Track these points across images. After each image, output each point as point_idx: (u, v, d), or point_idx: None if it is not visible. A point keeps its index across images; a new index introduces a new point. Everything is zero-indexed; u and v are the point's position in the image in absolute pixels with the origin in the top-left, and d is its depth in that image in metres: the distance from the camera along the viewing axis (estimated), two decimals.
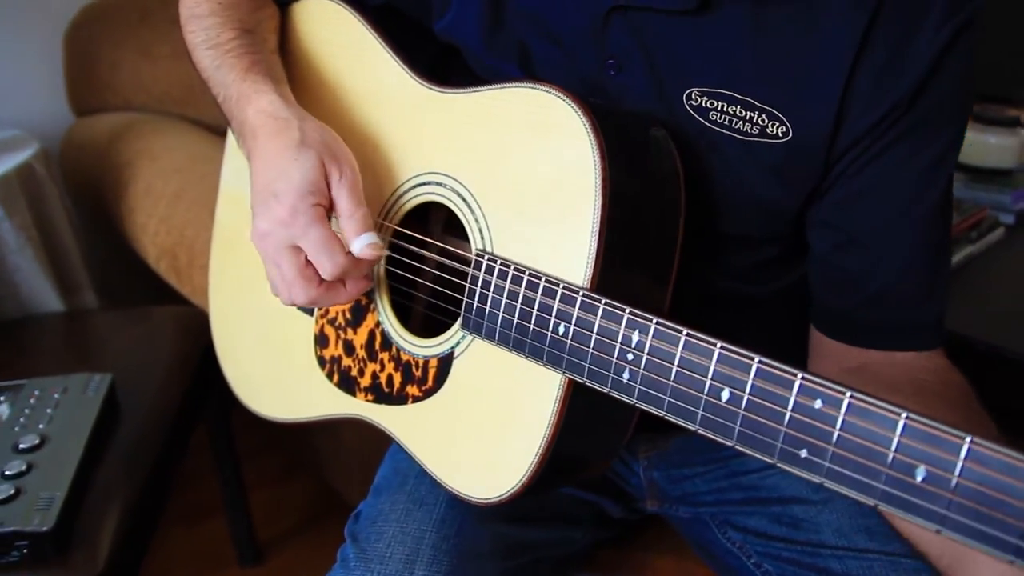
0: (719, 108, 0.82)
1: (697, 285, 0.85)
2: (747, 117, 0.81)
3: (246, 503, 1.79)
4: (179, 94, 2.02)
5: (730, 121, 0.82)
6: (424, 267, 0.93)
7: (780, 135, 0.81)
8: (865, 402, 0.59)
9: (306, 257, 0.85)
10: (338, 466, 1.81)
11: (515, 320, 0.79)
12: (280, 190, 0.83)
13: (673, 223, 0.82)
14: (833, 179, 0.83)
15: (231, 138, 1.14)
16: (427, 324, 0.94)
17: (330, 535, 2.01)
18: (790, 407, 0.62)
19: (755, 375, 0.64)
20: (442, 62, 1.03)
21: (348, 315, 0.97)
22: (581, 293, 0.74)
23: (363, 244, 0.83)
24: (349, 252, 0.84)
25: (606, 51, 0.86)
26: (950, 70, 0.78)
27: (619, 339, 0.71)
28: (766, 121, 0.81)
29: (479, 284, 0.82)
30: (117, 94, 2.05)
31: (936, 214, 0.84)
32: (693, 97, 0.83)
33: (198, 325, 1.51)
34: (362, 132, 0.92)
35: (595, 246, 0.75)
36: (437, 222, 0.99)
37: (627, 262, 0.78)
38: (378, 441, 1.02)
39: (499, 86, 0.83)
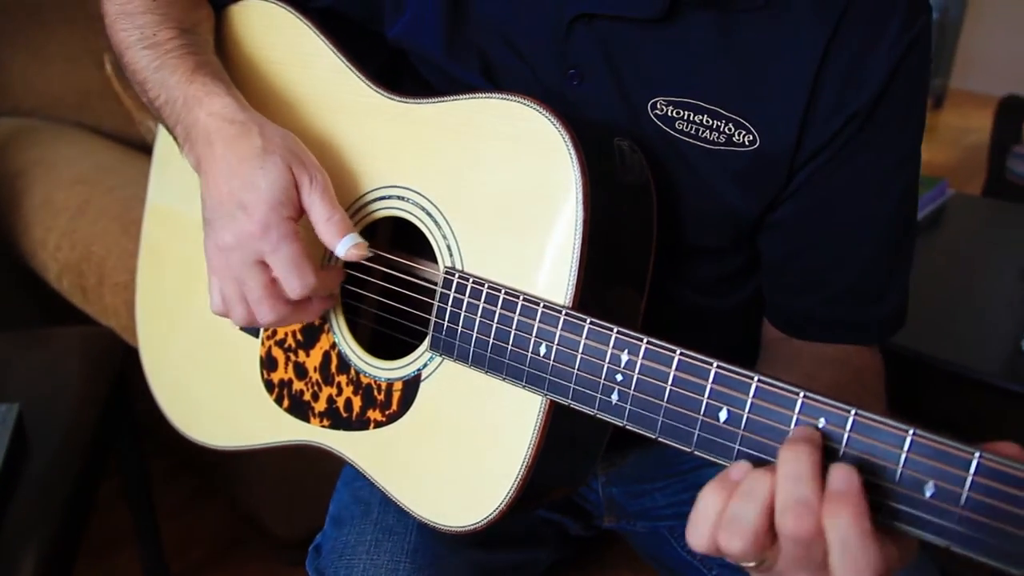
0: (685, 117, 0.82)
1: (661, 301, 0.85)
2: (713, 126, 0.82)
3: (158, 533, 1.69)
4: (74, 99, 1.90)
5: (696, 130, 0.82)
6: (386, 285, 0.90)
7: (747, 144, 0.81)
8: (870, 419, 0.59)
9: (271, 274, 0.80)
10: (256, 490, 1.75)
11: (491, 340, 0.76)
12: (248, 201, 0.78)
13: (647, 237, 0.82)
14: (796, 186, 0.85)
15: (160, 148, 1.07)
16: (385, 345, 0.90)
17: (249, 564, 1.95)
18: (792, 425, 0.62)
19: (755, 394, 0.63)
20: (390, 70, 0.99)
21: (299, 336, 0.92)
22: (564, 312, 0.72)
23: (348, 245, 0.80)
24: (321, 269, 0.80)
25: (568, 61, 0.85)
26: (908, 77, 0.81)
27: (607, 359, 0.70)
28: (733, 130, 0.81)
29: (449, 303, 0.79)
30: (4, 97, 1.92)
31: (897, 214, 0.86)
32: (659, 107, 0.83)
33: (107, 346, 1.43)
34: (314, 143, 0.88)
35: (577, 263, 0.73)
36: (393, 239, 0.95)
37: (606, 279, 0.77)
38: (303, 463, 0.97)
39: (468, 96, 0.80)
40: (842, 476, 0.55)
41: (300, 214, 0.81)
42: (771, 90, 0.81)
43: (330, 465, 0.98)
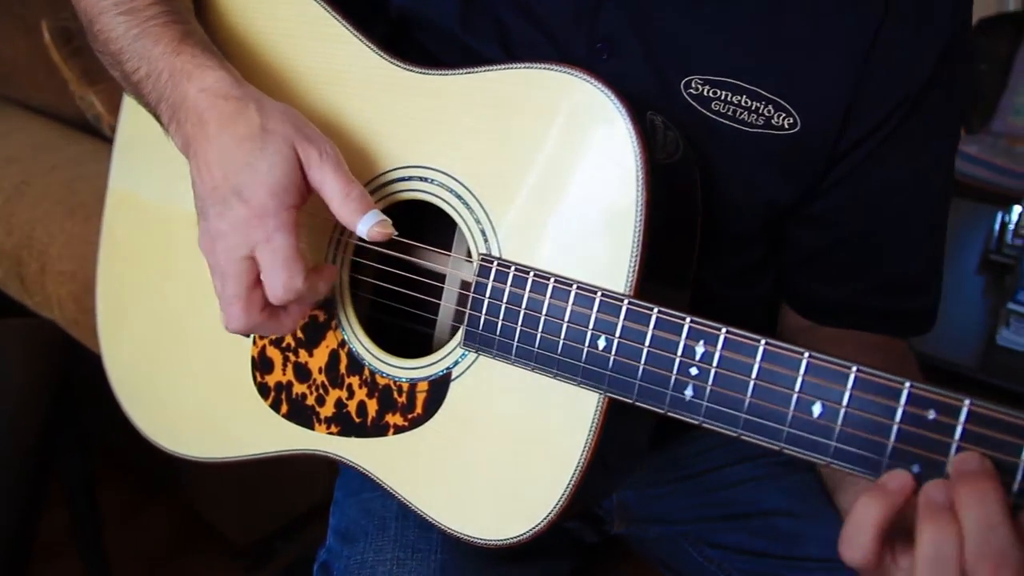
0: (723, 97, 0.78)
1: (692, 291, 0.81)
2: (752, 107, 0.78)
3: (102, 540, 1.56)
4: (1, 71, 1.74)
5: (734, 111, 0.78)
6: (409, 275, 0.83)
7: (787, 127, 0.78)
8: (990, 410, 0.56)
9: (255, 275, 0.72)
10: (206, 493, 1.64)
11: (538, 333, 0.70)
12: (245, 184, 0.70)
13: (692, 221, 0.77)
14: (839, 174, 0.82)
15: (125, 128, 0.98)
16: (399, 341, 0.83)
17: (200, 572, 1.83)
18: (898, 418, 0.58)
19: (853, 386, 0.59)
20: (389, 45, 0.92)
21: (300, 334, 0.84)
22: (627, 301, 0.67)
23: (371, 223, 0.72)
24: (307, 277, 0.73)
25: (597, 33, 0.80)
26: (956, 59, 0.79)
27: (679, 351, 0.65)
28: (772, 112, 0.78)
29: (487, 293, 0.73)
30: None
31: (940, 200, 0.85)
32: (694, 85, 0.79)
33: (49, 340, 1.30)
34: (319, 122, 0.80)
35: (639, 248, 0.68)
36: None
37: (660, 266, 0.72)
38: (255, 462, 0.90)
39: (503, 67, 0.74)
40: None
41: (305, 199, 0.74)
42: (815, 72, 0.78)
43: (286, 465, 0.91)
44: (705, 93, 0.79)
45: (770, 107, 0.78)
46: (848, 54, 0.77)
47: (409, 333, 0.87)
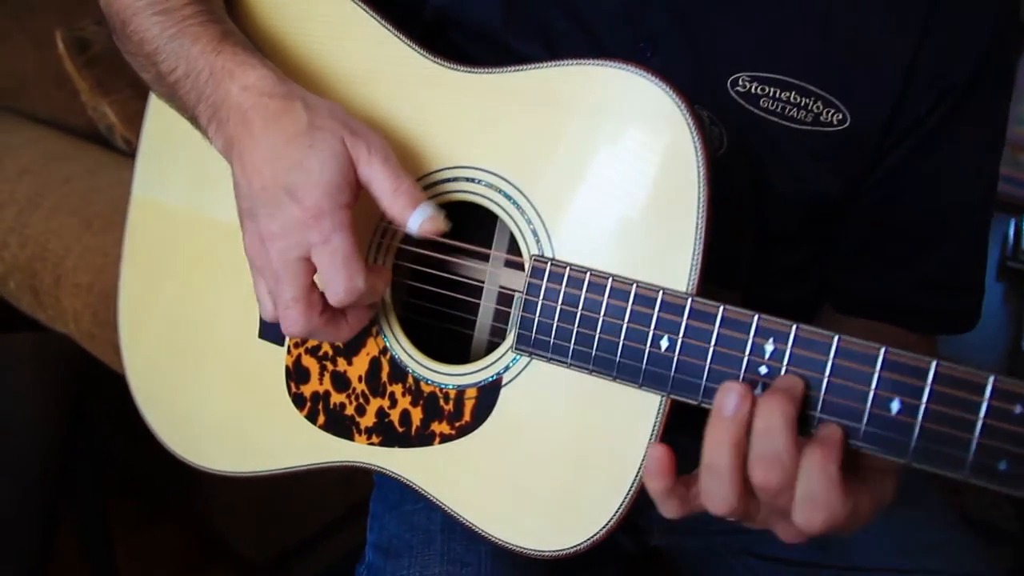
0: (771, 94, 0.78)
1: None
2: (801, 103, 0.77)
3: (112, 557, 1.52)
4: (7, 85, 1.73)
5: (783, 108, 0.78)
6: (449, 276, 0.81)
7: (835, 122, 0.78)
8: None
9: (312, 276, 0.71)
10: (218, 507, 1.62)
11: (596, 335, 0.69)
12: (297, 184, 0.68)
13: (740, 219, 0.76)
14: (886, 168, 0.82)
15: (150, 135, 0.96)
16: (433, 344, 0.81)
17: None
18: (982, 413, 0.56)
19: (933, 380, 0.58)
20: (427, 45, 0.91)
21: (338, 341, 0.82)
22: (691, 299, 0.65)
23: (422, 219, 0.70)
24: (368, 272, 0.71)
25: (641, 31, 0.80)
26: (1005, 45, 0.79)
27: (747, 350, 0.64)
28: (821, 108, 0.77)
29: (540, 294, 0.71)
30: None
31: (988, 192, 0.85)
32: (741, 83, 0.78)
33: (64, 355, 1.28)
34: (364, 122, 0.79)
35: (700, 245, 0.67)
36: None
37: (712, 266, 0.70)
38: (275, 478, 0.88)
39: (553, 64, 0.73)
40: (825, 430, 0.60)
41: (358, 196, 0.72)
42: (864, 65, 0.77)
43: (301, 480, 0.89)
44: (753, 90, 0.78)
45: (819, 103, 0.77)
46: (898, 44, 0.76)
47: (445, 335, 0.85)
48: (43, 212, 1.38)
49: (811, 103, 0.77)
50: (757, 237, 0.84)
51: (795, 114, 0.78)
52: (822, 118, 0.78)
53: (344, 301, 0.70)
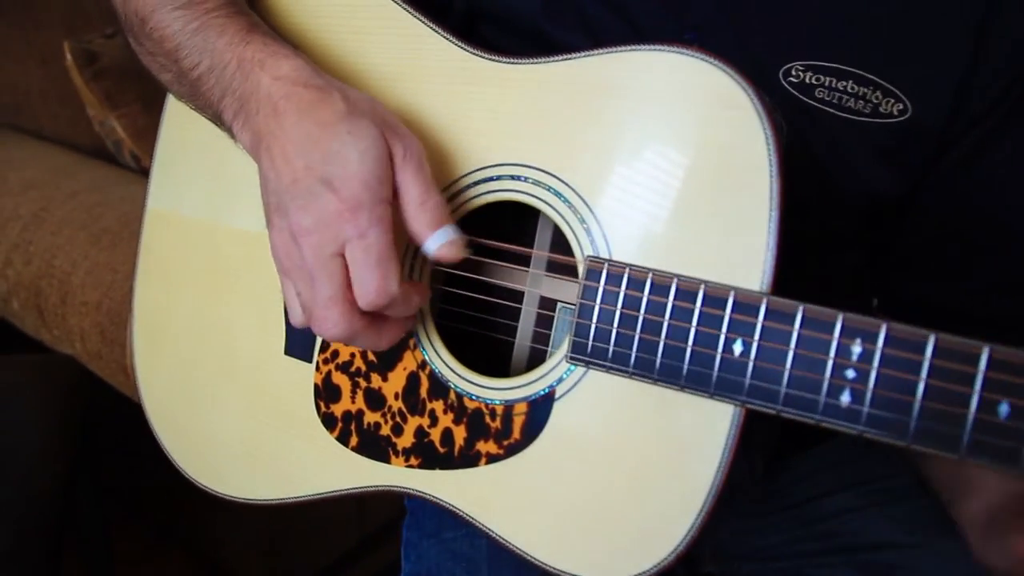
0: (826, 84, 0.74)
1: None
2: (859, 93, 0.73)
3: None
4: (11, 100, 1.70)
5: (839, 99, 0.74)
6: (488, 280, 0.76)
7: (896, 113, 0.73)
8: None
9: (348, 275, 0.66)
10: (226, 538, 1.56)
11: (661, 340, 0.64)
12: (334, 174, 0.64)
13: (804, 217, 0.71)
14: (950, 162, 0.77)
15: (165, 145, 0.91)
16: (470, 354, 0.76)
17: None
18: None
19: None
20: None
21: (372, 356, 0.77)
22: (766, 299, 0.60)
23: (441, 241, 0.67)
24: (402, 282, 0.67)
25: (687, 20, 0.76)
26: None
27: (832, 352, 0.59)
28: (880, 98, 0.73)
29: (597, 298, 0.66)
30: None
31: None
32: (794, 73, 0.74)
33: (70, 377, 1.23)
34: (400, 119, 0.74)
35: (774, 241, 0.62)
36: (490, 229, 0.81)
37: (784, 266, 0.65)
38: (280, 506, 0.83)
39: (605, 51, 0.69)
40: None
41: (394, 196, 0.67)
42: (926, 51, 0.73)
43: (313, 510, 0.84)
44: (807, 80, 0.74)
45: (878, 92, 0.73)
46: (961, 29, 0.72)
47: (483, 345, 0.80)
48: (49, 227, 1.34)
49: (870, 93, 0.73)
50: (813, 236, 0.80)
51: (853, 104, 0.74)
52: (882, 109, 0.74)
53: (374, 303, 0.65)
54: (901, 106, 0.74)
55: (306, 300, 0.67)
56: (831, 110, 0.74)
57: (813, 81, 0.74)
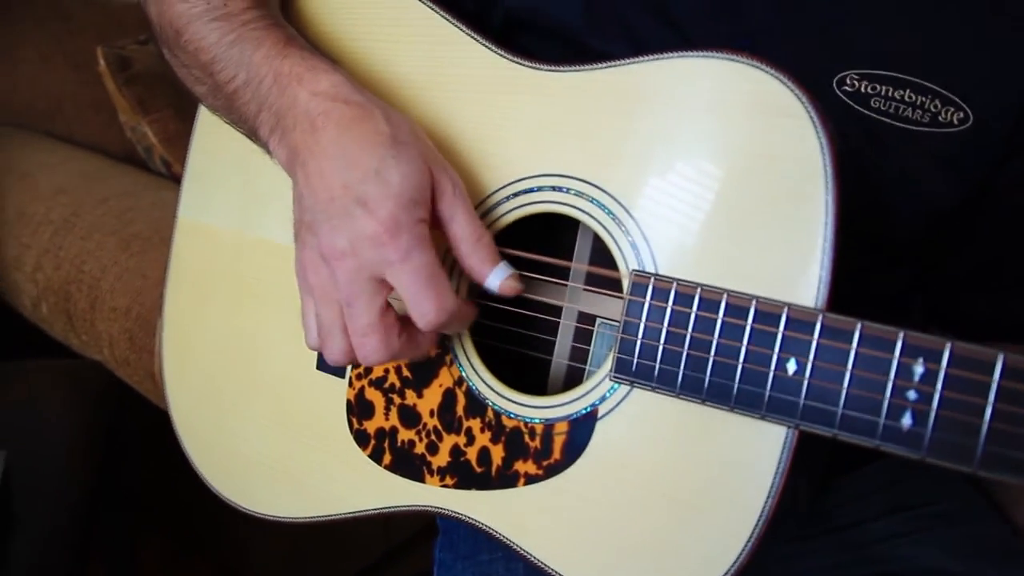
0: (883, 93, 0.71)
1: None
2: (917, 102, 0.71)
3: None
4: (45, 106, 1.71)
5: (896, 108, 0.71)
6: (527, 295, 0.74)
7: (956, 122, 0.71)
8: None
9: (387, 297, 0.64)
10: (252, 550, 1.56)
11: (710, 358, 0.61)
12: (371, 195, 0.62)
13: (860, 232, 0.68)
14: (1015, 170, 0.75)
15: (197, 156, 0.90)
16: (506, 369, 0.74)
17: None
18: None
19: None
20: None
21: (407, 372, 0.75)
22: (822, 315, 0.58)
23: (503, 276, 0.67)
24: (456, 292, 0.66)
25: (739, 28, 0.74)
26: None
27: (893, 372, 0.56)
28: (939, 107, 0.71)
29: (643, 315, 0.64)
30: None
31: None
32: (848, 82, 0.72)
33: (97, 383, 1.23)
34: (437, 131, 0.73)
35: (830, 255, 0.59)
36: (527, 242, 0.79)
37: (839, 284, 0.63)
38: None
39: (650, 58, 0.67)
40: None
41: (431, 224, 0.66)
42: (988, 58, 0.72)
43: (342, 521, 0.82)
44: (863, 89, 0.71)
45: (937, 101, 0.71)
46: (1021, 35, 0.70)
47: (519, 361, 0.78)
48: (79, 232, 1.34)
49: (928, 101, 0.71)
50: (867, 252, 0.77)
51: (910, 114, 0.71)
52: (941, 118, 0.71)
53: (433, 323, 0.64)
54: (962, 115, 0.71)
55: (326, 323, 0.66)
56: (887, 120, 0.72)
57: (869, 90, 0.72)
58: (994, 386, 0.53)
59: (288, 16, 0.80)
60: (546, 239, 0.76)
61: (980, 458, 0.54)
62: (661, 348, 0.63)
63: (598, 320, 0.76)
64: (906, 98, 0.71)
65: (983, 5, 0.71)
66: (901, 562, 0.88)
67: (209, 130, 0.89)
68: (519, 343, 0.78)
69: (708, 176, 0.63)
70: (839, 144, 0.68)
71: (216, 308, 0.87)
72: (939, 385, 0.55)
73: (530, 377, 0.77)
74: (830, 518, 0.91)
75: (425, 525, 0.92)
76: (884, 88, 0.71)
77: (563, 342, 0.78)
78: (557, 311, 0.77)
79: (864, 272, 0.79)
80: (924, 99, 0.71)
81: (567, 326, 0.77)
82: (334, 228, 0.63)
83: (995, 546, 0.80)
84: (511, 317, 0.77)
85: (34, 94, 1.71)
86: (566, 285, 0.76)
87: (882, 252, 0.79)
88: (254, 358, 0.84)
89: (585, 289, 0.76)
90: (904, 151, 0.72)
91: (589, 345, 0.76)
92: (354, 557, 1.66)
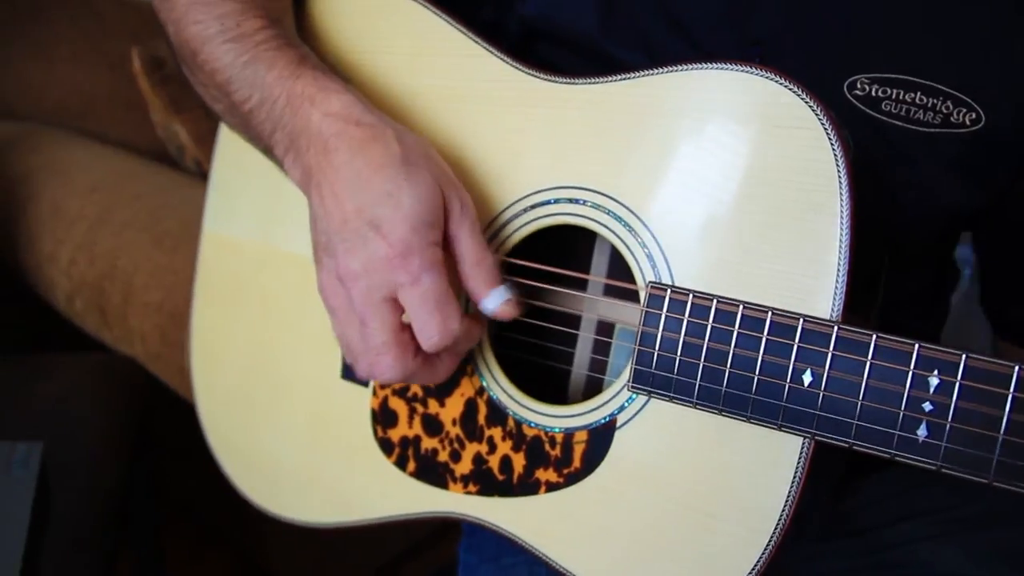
0: (894, 96, 0.71)
1: None
2: (928, 104, 0.71)
3: None
4: (79, 105, 1.74)
5: (908, 111, 0.71)
6: (545, 304, 0.75)
7: (968, 123, 0.70)
8: None
9: (401, 317, 0.65)
10: (275, 545, 1.58)
11: (727, 370, 0.62)
12: (384, 218, 0.63)
13: (873, 236, 0.68)
14: None
15: (220, 168, 0.91)
16: (528, 380, 0.75)
17: None
18: None
19: None
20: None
21: None
22: (837, 327, 0.58)
23: (500, 300, 0.68)
24: (464, 314, 0.67)
25: (750, 35, 0.74)
26: None
27: (908, 383, 0.56)
28: (951, 108, 0.70)
29: (660, 326, 0.64)
30: None
31: None
32: (859, 86, 0.71)
33: (129, 377, 1.26)
34: (452, 144, 0.74)
35: (844, 264, 0.60)
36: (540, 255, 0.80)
37: (855, 289, 0.63)
38: None
39: (666, 70, 0.67)
40: None
41: (443, 244, 0.67)
42: (1000, 57, 0.71)
43: None
44: (873, 93, 0.71)
45: (948, 103, 0.70)
46: None
47: (539, 371, 0.79)
48: (112, 228, 1.36)
49: (939, 103, 0.71)
50: (886, 255, 0.77)
51: (921, 116, 0.71)
52: (952, 119, 0.71)
53: (438, 345, 0.65)
54: (974, 115, 0.71)
55: (351, 342, 0.67)
56: (898, 123, 0.71)
57: (879, 94, 0.71)
58: (1009, 398, 0.53)
59: (302, 33, 0.81)
60: (565, 250, 0.76)
61: (996, 470, 0.54)
62: (678, 359, 0.64)
63: (616, 331, 0.76)
64: (917, 100, 0.71)
65: (989, 5, 0.70)
66: (919, 567, 0.87)
67: (231, 142, 0.90)
68: (540, 354, 0.79)
69: (722, 187, 0.64)
70: (853, 154, 0.68)
71: (242, 319, 0.88)
72: (954, 397, 0.55)
73: (551, 387, 0.78)
74: (850, 521, 0.91)
75: (445, 521, 0.93)
76: (895, 91, 0.71)
77: (582, 353, 0.78)
78: (576, 322, 0.78)
79: (881, 273, 0.79)
80: (935, 101, 0.71)
81: (586, 337, 0.78)
82: (348, 251, 0.64)
83: (1013, 550, 0.79)
84: (531, 329, 0.78)
85: (68, 93, 1.74)
86: (584, 296, 0.77)
87: (898, 253, 0.79)
88: (280, 368, 0.85)
89: (603, 300, 0.76)
90: (916, 153, 0.72)
91: (607, 356, 0.76)
92: (374, 552, 1.67)
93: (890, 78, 0.71)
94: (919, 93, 0.70)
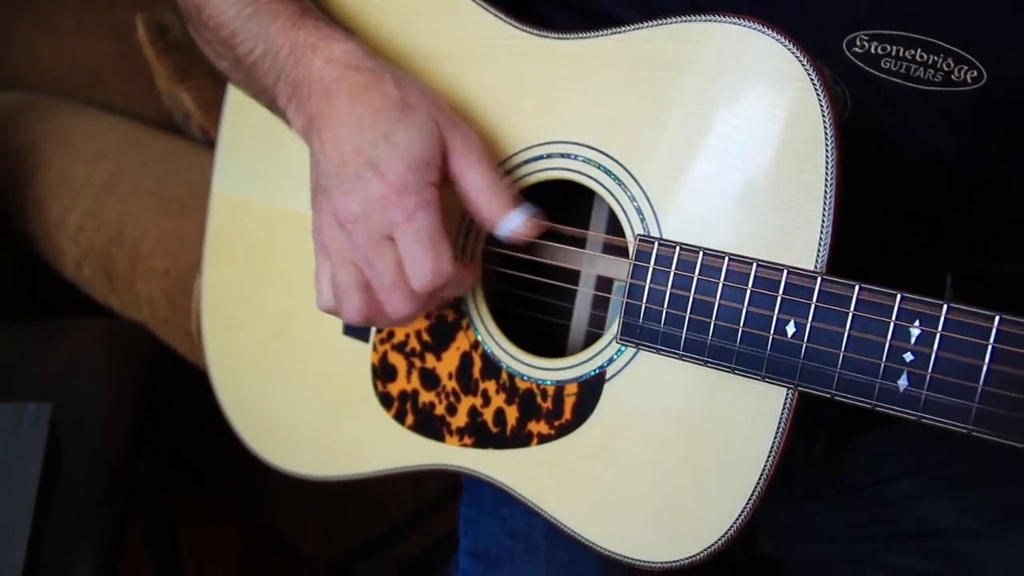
0: (894, 53, 0.70)
1: None
2: (929, 62, 0.69)
3: (176, 550, 1.49)
4: (85, 75, 1.74)
5: (908, 68, 0.70)
6: (542, 260, 0.75)
7: (969, 81, 0.69)
8: None
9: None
10: (284, 506, 1.59)
11: (712, 322, 0.62)
12: (381, 158, 0.63)
13: (874, 196, 0.68)
14: None
15: (228, 130, 0.92)
16: (527, 334, 0.75)
17: None
18: None
19: None
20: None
21: (426, 336, 0.77)
22: (821, 278, 0.58)
23: (520, 221, 0.66)
24: (457, 259, 0.67)
25: None
26: None
27: (889, 334, 0.56)
28: (952, 65, 0.69)
29: (647, 278, 0.64)
30: (4, 70, 1.74)
31: None
32: (859, 43, 0.70)
33: (137, 342, 1.27)
34: (448, 100, 0.73)
35: (830, 216, 0.59)
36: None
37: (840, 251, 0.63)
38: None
39: (656, 23, 0.67)
40: None
41: (441, 181, 0.66)
42: (999, 13, 0.69)
43: (368, 482, 0.84)
44: (873, 50, 0.70)
45: (949, 60, 0.69)
46: None
47: (540, 327, 0.79)
48: (119, 195, 1.37)
49: (940, 60, 0.69)
50: (879, 214, 0.76)
51: (922, 74, 0.70)
52: (954, 77, 0.69)
53: (429, 285, 0.65)
54: (975, 73, 0.69)
55: (343, 283, 0.68)
56: (899, 80, 0.70)
57: (879, 51, 0.70)
58: (990, 348, 0.53)
59: None
60: (566, 205, 0.76)
61: (975, 419, 0.54)
62: (665, 311, 0.64)
63: (615, 287, 0.76)
64: (917, 57, 0.70)
65: None
66: (915, 522, 0.88)
67: (239, 104, 0.91)
68: (539, 310, 0.79)
69: (711, 141, 0.64)
70: (848, 107, 0.68)
71: (252, 278, 0.89)
72: (935, 347, 0.55)
73: (553, 343, 0.78)
74: (847, 478, 0.91)
75: (454, 484, 0.94)
76: (894, 48, 0.70)
77: (582, 308, 0.79)
78: (575, 278, 0.78)
79: (880, 231, 0.78)
80: (936, 58, 0.69)
81: (585, 293, 0.78)
82: (347, 192, 0.65)
83: (1008, 505, 0.79)
84: (530, 285, 0.78)
85: (74, 62, 1.74)
86: (583, 252, 0.77)
87: (898, 212, 0.78)
88: (288, 325, 0.86)
89: (602, 256, 0.77)
90: (917, 111, 0.71)
91: (606, 312, 0.77)
92: (383, 515, 1.68)
93: (890, 35, 0.70)
94: (919, 50, 0.69)
